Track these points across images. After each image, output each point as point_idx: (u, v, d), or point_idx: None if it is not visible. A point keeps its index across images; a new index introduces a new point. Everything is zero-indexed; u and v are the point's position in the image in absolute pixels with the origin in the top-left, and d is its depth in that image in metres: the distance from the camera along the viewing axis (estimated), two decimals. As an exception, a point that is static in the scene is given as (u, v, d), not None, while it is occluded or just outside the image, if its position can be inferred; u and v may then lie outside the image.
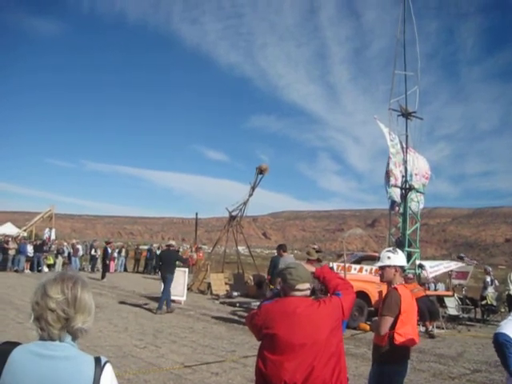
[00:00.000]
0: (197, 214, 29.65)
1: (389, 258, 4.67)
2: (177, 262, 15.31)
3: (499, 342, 3.00)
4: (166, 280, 14.70)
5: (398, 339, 4.41)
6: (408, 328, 4.42)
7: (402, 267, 4.79)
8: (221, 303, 17.91)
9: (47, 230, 39.34)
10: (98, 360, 1.94)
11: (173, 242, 16.11)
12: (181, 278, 15.49)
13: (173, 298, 16.43)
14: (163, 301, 14.48)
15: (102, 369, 1.91)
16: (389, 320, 4.45)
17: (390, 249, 4.88)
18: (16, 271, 26.34)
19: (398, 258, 4.68)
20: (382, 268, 4.79)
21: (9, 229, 41.55)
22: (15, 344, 1.91)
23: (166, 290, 14.63)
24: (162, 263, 15.00)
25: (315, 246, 19.93)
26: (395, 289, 4.53)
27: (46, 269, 27.98)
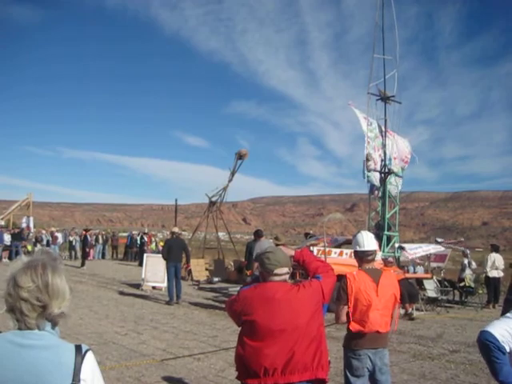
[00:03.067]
0: (176, 201, 29.66)
1: (353, 243, 4.74)
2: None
3: (482, 341, 2.80)
4: (177, 269, 14.10)
5: (351, 326, 4.46)
6: (363, 315, 4.39)
7: (356, 252, 4.69)
8: (201, 289, 17.93)
9: (25, 218, 38.89)
10: (78, 348, 1.90)
11: (177, 229, 15.22)
12: (160, 264, 15.39)
13: (154, 284, 16.41)
14: (173, 291, 13.93)
15: (82, 357, 1.88)
16: (341, 308, 4.47)
17: (356, 234, 4.85)
18: (-6, 261, 26.01)
19: (354, 242, 4.70)
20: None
21: (-15, 218, 40.92)
22: None
23: (179, 281, 14.15)
24: (170, 252, 14.14)
25: (310, 232, 20.04)
26: (345, 275, 4.52)
27: (24, 258, 27.59)
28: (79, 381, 1.83)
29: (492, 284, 15.87)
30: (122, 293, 15.63)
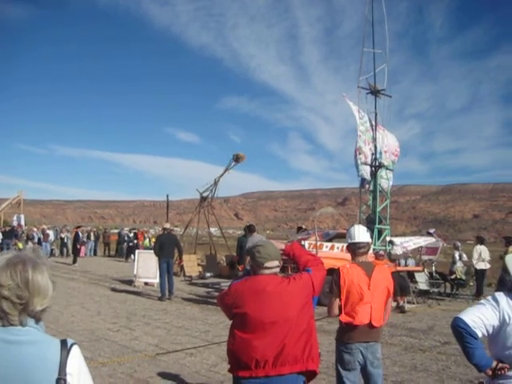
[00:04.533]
0: (168, 197, 29.55)
1: (349, 238, 4.72)
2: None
3: (455, 328, 2.92)
4: (169, 265, 14.08)
5: (342, 319, 4.47)
6: (353, 308, 4.40)
7: (349, 245, 4.69)
8: (193, 284, 17.93)
9: (16, 216, 38.76)
10: (63, 342, 1.89)
11: (168, 225, 15.15)
12: (152, 260, 15.36)
13: (146, 280, 16.39)
14: (166, 287, 13.90)
15: (68, 351, 1.87)
16: (333, 301, 4.49)
17: (350, 228, 4.87)
18: (-16, 258, 25.87)
19: (349, 236, 4.69)
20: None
21: (-24, 216, 40.74)
22: None
23: (171, 277, 14.12)
24: (162, 248, 14.07)
25: (303, 226, 20.08)
26: (337, 268, 4.53)
27: (6, 255, 27.47)
28: (65, 375, 1.82)
29: (480, 276, 16.00)
30: (114, 289, 15.60)
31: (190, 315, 11.64)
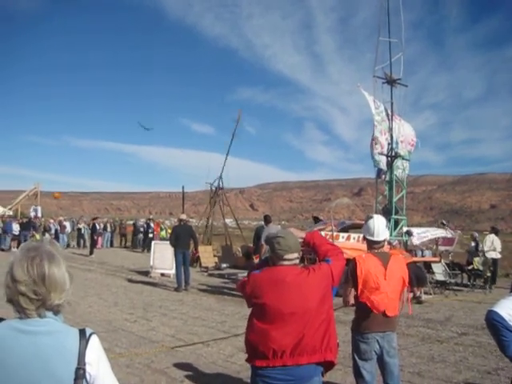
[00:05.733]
0: (183, 188, 29.56)
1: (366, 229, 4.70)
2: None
3: (490, 321, 2.88)
4: (185, 256, 14.11)
5: (358, 308, 4.51)
6: (371, 298, 4.41)
7: (367, 239, 4.70)
8: (210, 275, 17.99)
9: (33, 207, 39.07)
10: (82, 332, 1.89)
11: (184, 216, 15.16)
12: (168, 251, 15.40)
13: (162, 271, 16.45)
14: (182, 278, 13.90)
15: (87, 341, 1.86)
16: (349, 290, 4.51)
17: (369, 215, 4.85)
18: (2, 250, 26.22)
19: (365, 229, 4.70)
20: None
21: (-6, 208, 41.17)
22: None
23: (187, 268, 14.17)
24: (178, 239, 14.12)
25: (319, 216, 20.05)
26: (354, 258, 4.54)
27: (22, 247, 27.72)
28: (84, 364, 1.82)
29: (492, 265, 16.01)
30: (130, 280, 15.69)
31: (207, 306, 11.67)
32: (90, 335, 1.89)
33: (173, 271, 15.36)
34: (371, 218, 4.75)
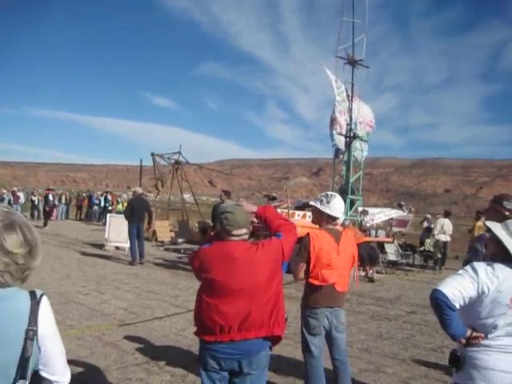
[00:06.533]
0: (141, 161, 29.17)
1: (321, 201, 4.64)
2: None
3: (434, 300, 2.91)
4: (139, 230, 14.02)
5: (310, 284, 4.54)
6: (322, 272, 4.46)
7: (330, 216, 4.62)
8: (165, 250, 17.94)
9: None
10: (33, 294, 1.89)
11: (139, 189, 15.06)
12: (124, 225, 15.26)
13: (117, 244, 16.32)
14: (136, 252, 13.86)
15: (38, 302, 1.87)
16: (300, 265, 4.54)
17: (328, 193, 4.83)
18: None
19: (330, 205, 4.59)
20: (312, 208, 4.81)
21: None
22: None
23: (141, 241, 14.10)
24: (133, 212, 13.95)
25: (274, 195, 20.14)
26: (307, 234, 4.56)
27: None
28: (36, 326, 1.82)
29: (442, 247, 16.47)
30: (84, 253, 15.50)
31: (161, 280, 11.65)
32: (41, 296, 1.89)
33: (127, 245, 15.23)
34: (333, 196, 4.73)
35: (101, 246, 16.71)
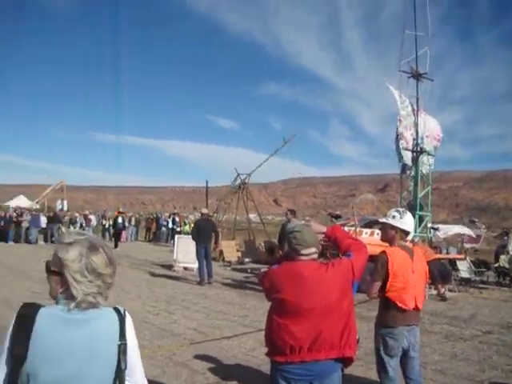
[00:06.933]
0: (207, 182, 29.64)
1: (393, 217, 4.52)
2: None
3: None
4: (207, 250, 14.12)
5: (386, 303, 4.41)
6: (400, 291, 4.33)
7: (404, 231, 4.51)
8: (232, 270, 18.04)
9: (59, 201, 39.70)
10: (117, 310, 1.99)
11: (206, 210, 15.41)
12: (191, 245, 15.46)
13: (185, 265, 16.54)
14: (204, 272, 13.99)
15: (123, 317, 1.98)
16: (375, 284, 4.40)
17: (399, 209, 4.73)
18: (29, 242, 26.66)
19: (403, 221, 4.49)
20: (383, 225, 4.69)
21: (21, 201, 42.01)
22: (37, 306, 1.86)
23: (209, 262, 14.20)
24: (200, 233, 14.13)
25: (337, 213, 19.99)
26: (383, 252, 4.43)
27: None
28: (124, 339, 1.93)
29: None
30: (153, 274, 15.80)
31: (229, 300, 11.71)
32: (124, 311, 2.00)
33: (196, 265, 15.42)
34: (405, 212, 4.63)
35: (169, 267, 16.98)
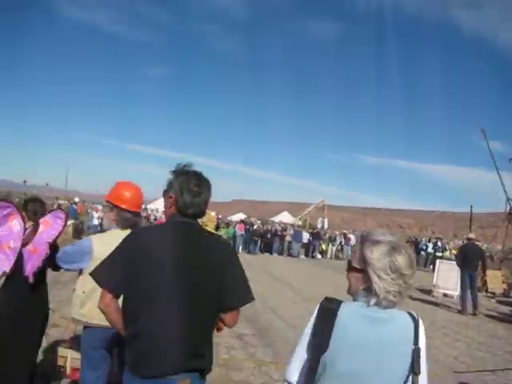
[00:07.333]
0: (471, 208, 28.22)
1: None
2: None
3: None
4: (472, 278, 13.45)
5: None
6: None
7: None
8: (497, 302, 16.90)
9: (320, 219, 41.63)
10: (411, 314, 2.03)
11: (473, 235, 14.60)
12: (453, 271, 14.94)
13: (445, 291, 16.04)
14: (466, 301, 13.33)
15: (417, 322, 2.01)
16: None
17: None
18: (291, 255, 28.62)
19: None
20: None
21: (285, 217, 45.20)
22: (339, 301, 1.99)
23: (474, 291, 13.58)
24: (466, 259, 13.55)
25: None
26: None
27: (318, 255, 29.94)
28: (417, 343, 1.96)
29: None
30: (411, 297, 15.61)
31: (493, 333, 11.06)
32: (418, 317, 2.04)
33: (456, 292, 14.83)
34: None
35: (428, 292, 16.60)
